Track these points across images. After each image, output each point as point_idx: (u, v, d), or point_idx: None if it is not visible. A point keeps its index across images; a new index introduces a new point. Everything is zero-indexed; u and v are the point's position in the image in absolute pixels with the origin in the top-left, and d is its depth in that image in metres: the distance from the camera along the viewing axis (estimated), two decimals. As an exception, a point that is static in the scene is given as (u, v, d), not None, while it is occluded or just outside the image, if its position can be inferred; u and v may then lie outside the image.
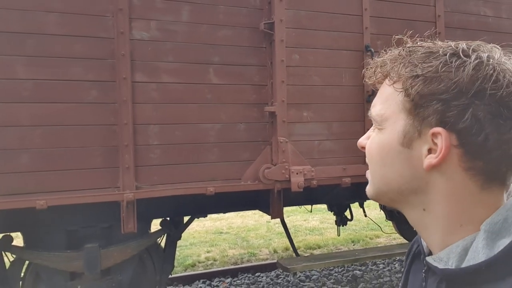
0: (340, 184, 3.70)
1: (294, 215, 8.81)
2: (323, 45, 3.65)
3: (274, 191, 3.54)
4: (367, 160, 0.72)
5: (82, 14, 3.04)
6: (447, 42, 0.66)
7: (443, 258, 0.63)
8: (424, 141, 0.63)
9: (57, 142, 2.98)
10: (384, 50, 0.73)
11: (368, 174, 0.73)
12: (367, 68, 0.74)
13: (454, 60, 0.61)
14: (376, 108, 0.69)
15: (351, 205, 5.13)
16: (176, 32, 3.27)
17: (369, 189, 0.73)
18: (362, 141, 0.75)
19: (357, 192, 4.31)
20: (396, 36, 0.74)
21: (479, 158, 0.60)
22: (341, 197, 4.36)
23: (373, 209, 7.34)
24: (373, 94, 3.73)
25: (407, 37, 0.70)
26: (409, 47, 0.67)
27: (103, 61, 3.09)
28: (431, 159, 0.62)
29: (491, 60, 0.60)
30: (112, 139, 3.10)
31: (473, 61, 0.60)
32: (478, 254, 0.59)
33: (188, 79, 3.30)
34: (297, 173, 3.48)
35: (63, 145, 2.99)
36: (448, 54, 0.62)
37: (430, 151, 0.63)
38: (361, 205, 5.29)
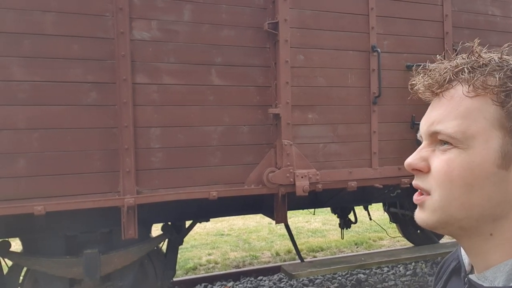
0: (346, 188, 3.61)
1: (296, 216, 8.72)
2: (328, 45, 3.56)
3: (279, 195, 3.45)
4: (434, 184, 0.62)
5: (80, 13, 2.95)
6: None
7: (489, 277, 0.60)
8: None
9: (55, 145, 2.89)
10: (441, 58, 0.66)
11: (428, 200, 0.63)
12: (422, 73, 0.66)
13: None
14: (452, 124, 0.61)
15: (355, 207, 5.05)
16: (177, 32, 3.18)
17: (428, 218, 0.64)
18: (417, 162, 0.64)
19: (362, 195, 4.23)
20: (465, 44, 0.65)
21: None
22: (346, 200, 4.28)
23: (375, 210, 7.26)
24: (379, 95, 3.65)
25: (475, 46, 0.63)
26: (498, 57, 0.61)
27: (102, 62, 3.00)
28: None
29: None
30: (112, 142, 3.02)
31: None
32: None
33: (190, 80, 3.21)
34: (302, 177, 3.39)
35: (61, 148, 2.90)
36: None
37: None
38: (366, 208, 5.22)
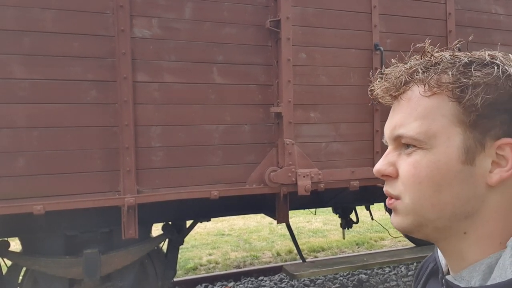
0: (348, 188, 3.58)
1: (296, 216, 8.69)
2: (330, 43, 3.53)
3: (280, 195, 3.41)
4: (403, 188, 0.61)
5: (81, 11, 2.92)
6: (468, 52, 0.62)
7: (465, 277, 0.60)
8: (488, 155, 0.58)
9: (54, 144, 2.86)
10: (396, 61, 0.66)
11: (399, 204, 0.62)
12: (379, 78, 0.66)
13: (506, 68, 0.59)
14: (413, 126, 0.60)
15: (356, 207, 5.02)
16: (178, 30, 3.15)
17: (402, 221, 0.63)
18: (385, 168, 0.64)
19: (364, 195, 4.20)
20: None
21: None
22: (348, 200, 4.24)
23: (377, 210, 7.23)
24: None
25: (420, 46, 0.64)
26: (450, 54, 0.62)
27: (103, 60, 2.97)
28: (501, 173, 0.58)
29: None
30: (112, 141, 2.98)
31: None
32: (506, 271, 0.56)
33: (191, 79, 3.17)
34: (304, 176, 3.36)
35: (61, 147, 2.87)
36: (495, 63, 0.59)
37: (495, 165, 0.58)
38: (368, 208, 5.18)
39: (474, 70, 0.58)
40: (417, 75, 0.61)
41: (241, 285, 5.18)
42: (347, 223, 5.12)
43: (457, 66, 0.59)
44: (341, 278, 5.28)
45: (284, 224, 3.91)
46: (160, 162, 3.09)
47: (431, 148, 0.59)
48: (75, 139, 2.90)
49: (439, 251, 0.72)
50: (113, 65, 2.98)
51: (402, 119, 0.62)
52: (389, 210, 5.80)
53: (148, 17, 3.07)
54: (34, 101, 2.82)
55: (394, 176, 0.63)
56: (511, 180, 0.58)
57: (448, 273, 0.67)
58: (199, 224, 4.10)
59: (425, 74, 0.60)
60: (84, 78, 2.93)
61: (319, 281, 5.23)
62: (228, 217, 8.30)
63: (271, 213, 3.79)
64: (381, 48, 3.62)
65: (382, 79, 0.66)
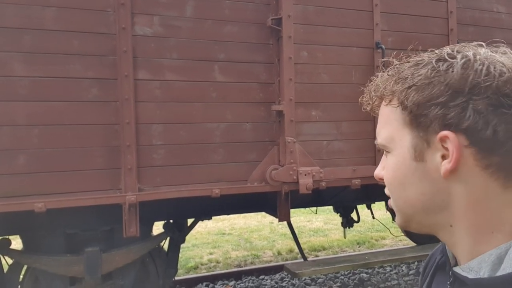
0: (349, 186, 3.58)
1: (297, 215, 8.68)
2: (332, 41, 3.52)
3: (282, 193, 3.41)
4: (388, 190, 0.68)
5: (81, 8, 2.91)
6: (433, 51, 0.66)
7: (474, 268, 0.60)
8: (435, 150, 0.61)
9: (55, 142, 2.85)
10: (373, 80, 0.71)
11: (393, 204, 0.69)
12: (362, 97, 0.73)
13: (441, 64, 0.61)
14: (381, 133, 0.68)
15: (357, 206, 5.01)
16: (180, 28, 3.14)
17: (397, 219, 0.69)
18: (378, 172, 0.70)
19: (365, 193, 4.20)
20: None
21: (494, 153, 0.58)
22: (350, 198, 4.24)
23: (377, 210, 7.22)
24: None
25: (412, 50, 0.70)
26: (395, 64, 0.67)
27: (104, 58, 2.96)
28: (446, 165, 0.59)
29: (477, 56, 0.60)
30: (113, 139, 2.98)
31: (460, 60, 0.60)
32: None
33: (193, 77, 3.17)
34: (305, 175, 3.35)
35: (62, 145, 2.87)
36: (434, 60, 0.62)
37: (444, 158, 0.60)
38: (369, 207, 5.18)
39: (412, 74, 0.62)
40: (378, 90, 0.66)
41: (242, 284, 5.18)
42: (348, 222, 5.11)
43: (398, 75, 0.64)
44: (342, 277, 5.27)
45: (284, 223, 3.91)
46: (161, 160, 3.09)
47: (393, 151, 0.65)
48: (76, 137, 2.90)
49: None
50: (114, 63, 2.98)
51: (378, 129, 0.69)
52: (391, 210, 5.81)
53: (149, 15, 3.07)
54: (34, 99, 2.82)
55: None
56: (466, 169, 0.59)
57: (456, 265, 0.67)
58: (199, 223, 4.09)
59: (383, 87, 0.66)
60: (85, 76, 2.92)
61: (320, 280, 5.22)
62: (228, 217, 8.30)
63: (272, 212, 3.79)
64: (383, 46, 3.61)
65: (366, 94, 0.71)
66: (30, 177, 2.81)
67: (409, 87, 0.61)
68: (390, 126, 0.65)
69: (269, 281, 5.25)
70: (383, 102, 0.67)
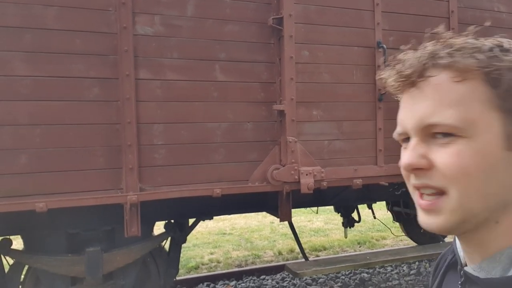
0: (351, 186, 3.57)
1: (298, 215, 8.67)
2: (333, 41, 3.52)
3: (283, 193, 3.40)
4: (447, 180, 0.57)
5: (83, 8, 2.91)
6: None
7: (485, 268, 0.59)
8: None
9: (57, 142, 2.85)
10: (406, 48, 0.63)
11: (444, 202, 0.58)
12: (391, 64, 0.63)
13: None
14: (449, 113, 0.56)
15: (358, 206, 5.00)
16: (181, 27, 3.14)
17: (447, 221, 0.58)
18: (417, 161, 0.59)
19: (367, 193, 4.19)
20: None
21: None
22: (351, 198, 4.23)
23: (378, 209, 7.21)
24: (385, 92, 3.60)
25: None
26: (473, 38, 0.60)
27: (105, 57, 2.96)
28: None
29: None
30: (114, 139, 2.97)
31: None
32: None
33: (194, 76, 3.16)
34: (306, 174, 3.35)
35: (63, 145, 2.86)
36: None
37: None
38: (370, 207, 5.18)
39: (502, 54, 0.57)
40: (442, 60, 0.58)
41: (243, 284, 5.17)
42: (349, 222, 5.11)
43: (483, 50, 0.57)
44: (343, 277, 5.26)
45: (285, 223, 3.90)
46: (162, 159, 3.08)
47: (473, 136, 0.56)
48: (77, 136, 2.90)
49: (457, 243, 0.70)
50: (115, 63, 2.97)
51: (431, 107, 0.58)
52: (390, 209, 5.74)
53: (150, 14, 3.06)
54: (36, 99, 2.81)
55: (427, 168, 0.59)
56: None
57: (466, 265, 0.66)
58: (200, 223, 4.08)
59: (452, 59, 0.57)
60: (86, 76, 2.92)
61: (321, 280, 5.22)
62: (229, 216, 8.30)
63: (273, 212, 3.78)
64: (384, 46, 3.61)
65: (394, 67, 0.62)
66: (31, 177, 2.80)
67: (509, 69, 0.56)
68: (469, 108, 0.56)
69: (270, 281, 5.25)
70: (448, 75, 0.58)
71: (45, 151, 2.82)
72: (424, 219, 0.61)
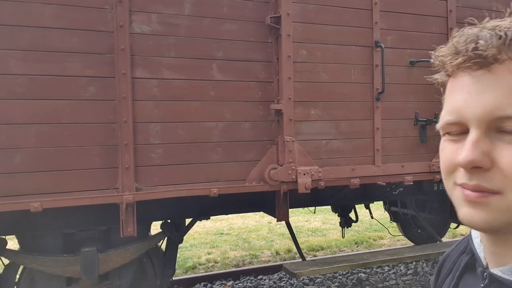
0: (348, 185, 3.56)
1: (295, 215, 8.67)
2: (331, 40, 3.50)
3: (280, 192, 3.39)
4: (507, 182, 0.52)
5: (79, 6, 2.88)
6: None
7: None
8: None
9: (52, 141, 2.82)
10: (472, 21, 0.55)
11: (497, 200, 0.53)
12: (466, 39, 0.54)
13: None
14: None
15: (355, 206, 5.00)
16: (178, 26, 3.11)
17: (495, 219, 0.54)
18: (480, 159, 0.53)
19: (364, 193, 4.18)
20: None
21: None
22: (348, 198, 4.22)
23: (375, 209, 7.20)
24: (383, 91, 3.59)
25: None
26: None
27: (101, 56, 2.93)
28: None
29: None
30: (111, 138, 2.95)
31: None
32: None
33: (191, 75, 3.14)
34: (304, 174, 3.33)
35: (59, 144, 2.84)
36: None
37: None
38: (367, 207, 5.17)
39: None
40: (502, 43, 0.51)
41: (240, 284, 5.16)
42: (346, 222, 5.10)
43: None
44: (341, 277, 5.25)
45: (283, 223, 3.88)
46: (159, 159, 3.06)
47: None
48: (73, 135, 2.87)
49: (475, 243, 0.67)
50: (111, 61, 2.95)
51: (507, 98, 0.51)
52: (388, 209, 5.74)
53: (147, 13, 3.04)
54: (31, 97, 2.79)
55: (487, 168, 0.53)
56: None
57: (487, 267, 0.63)
58: (198, 223, 4.07)
59: None
60: (82, 74, 2.89)
61: (318, 280, 5.20)
62: (227, 216, 8.28)
63: (271, 211, 3.76)
64: (382, 45, 3.59)
65: (469, 40, 0.54)
66: (26, 176, 2.77)
67: None
68: None
69: (267, 281, 5.23)
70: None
71: (40, 151, 2.80)
72: (469, 212, 0.55)
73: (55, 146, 2.83)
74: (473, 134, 0.54)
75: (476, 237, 0.68)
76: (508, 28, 0.54)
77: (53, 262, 3.20)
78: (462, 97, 0.55)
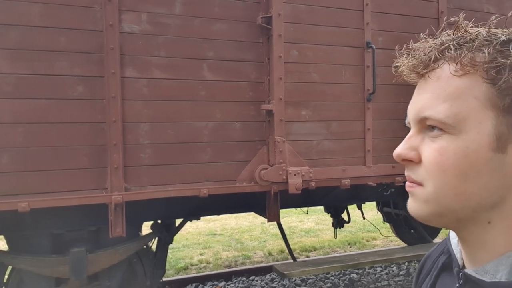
0: (339, 186, 3.55)
1: (289, 216, 8.67)
2: (322, 41, 3.50)
3: (271, 193, 3.38)
4: (426, 175, 0.57)
5: (68, 5, 2.86)
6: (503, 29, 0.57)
7: (489, 270, 0.57)
8: None
9: (40, 140, 2.80)
10: (425, 36, 0.61)
11: (421, 190, 0.58)
12: (405, 53, 0.61)
13: None
14: (442, 108, 0.55)
15: (348, 206, 5.00)
16: (168, 25, 3.10)
17: (420, 208, 0.59)
18: (407, 153, 0.59)
19: (356, 193, 4.18)
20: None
21: None
22: (340, 199, 4.22)
23: (369, 210, 7.22)
24: (374, 92, 3.59)
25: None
26: (486, 30, 0.56)
27: (90, 55, 2.92)
28: None
29: None
30: (100, 138, 2.93)
31: None
32: None
33: (181, 75, 3.13)
34: (294, 174, 3.33)
35: (47, 144, 2.82)
36: None
37: None
38: (359, 207, 5.17)
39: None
40: (448, 52, 0.56)
41: (232, 285, 5.14)
42: (338, 223, 5.10)
43: (494, 44, 0.54)
44: (333, 278, 5.25)
45: (276, 223, 3.87)
46: (148, 159, 3.04)
47: (460, 134, 0.54)
48: (62, 135, 2.85)
49: (453, 243, 0.68)
50: (101, 60, 2.93)
51: (429, 100, 0.57)
52: (381, 209, 5.74)
53: (137, 12, 3.03)
54: (19, 97, 2.76)
55: (416, 161, 0.59)
56: None
57: (464, 266, 0.64)
58: (190, 223, 4.06)
59: (458, 51, 0.55)
60: (71, 73, 2.87)
61: (310, 280, 5.20)
62: (220, 217, 8.27)
63: (261, 212, 3.76)
64: (373, 46, 3.60)
65: (409, 54, 0.61)
66: (14, 176, 2.75)
67: None
68: (463, 103, 0.54)
69: (259, 281, 5.22)
70: (451, 68, 0.56)
71: (28, 150, 2.78)
72: (408, 202, 0.61)
73: (43, 145, 2.81)
74: (409, 132, 0.61)
75: (454, 237, 0.69)
76: (448, 35, 0.59)
77: (42, 262, 3.17)
78: (411, 101, 0.62)
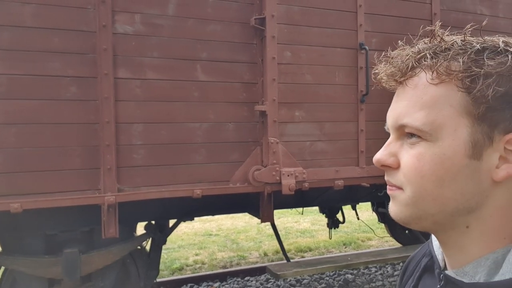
0: (332, 187, 3.57)
1: (284, 216, 8.67)
2: (316, 42, 3.51)
3: (264, 193, 3.39)
4: (404, 180, 0.59)
5: (61, 5, 2.86)
6: (485, 37, 0.58)
7: (469, 272, 0.58)
8: (495, 150, 0.55)
9: (33, 141, 2.80)
10: (403, 44, 0.62)
11: (400, 194, 0.60)
12: (384, 61, 0.62)
13: None
14: (419, 116, 0.57)
15: (343, 207, 5.01)
16: (161, 26, 3.11)
17: (400, 211, 0.61)
18: (386, 159, 0.61)
19: (349, 194, 4.19)
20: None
21: None
22: (333, 199, 4.23)
23: (364, 211, 7.23)
24: (367, 93, 3.61)
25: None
26: (461, 39, 0.57)
27: (83, 56, 2.92)
28: (508, 169, 0.55)
29: None
30: (92, 139, 2.93)
31: None
32: None
33: (174, 76, 3.13)
34: (288, 175, 3.34)
35: (40, 144, 2.81)
36: (509, 50, 0.55)
37: (500, 160, 0.55)
38: (354, 208, 5.18)
39: (486, 58, 0.54)
40: (425, 61, 0.57)
41: (227, 286, 5.14)
42: (333, 223, 5.11)
43: (468, 53, 0.55)
44: (327, 278, 5.26)
45: (270, 224, 3.88)
46: (141, 160, 3.05)
47: (437, 141, 0.56)
48: (55, 136, 2.85)
49: (435, 245, 0.69)
50: (94, 61, 2.93)
51: (406, 108, 0.58)
52: (375, 210, 5.75)
53: (130, 13, 3.03)
54: (12, 97, 2.76)
55: (394, 167, 0.60)
56: None
57: (445, 268, 0.65)
58: (186, 224, 4.07)
59: (434, 60, 0.56)
60: (64, 74, 2.87)
61: (305, 281, 5.21)
62: (215, 217, 8.26)
63: (255, 212, 3.76)
64: (366, 47, 3.61)
65: (387, 62, 0.62)
66: (6, 177, 2.75)
67: (488, 74, 0.53)
68: (439, 111, 0.56)
69: (254, 282, 5.22)
70: (427, 76, 0.57)
71: (20, 151, 2.78)
72: (390, 205, 0.63)
73: (36, 146, 2.81)
74: (389, 138, 0.63)
75: (435, 240, 0.70)
76: (425, 43, 0.60)
77: (35, 263, 3.17)
78: (390, 108, 0.63)
